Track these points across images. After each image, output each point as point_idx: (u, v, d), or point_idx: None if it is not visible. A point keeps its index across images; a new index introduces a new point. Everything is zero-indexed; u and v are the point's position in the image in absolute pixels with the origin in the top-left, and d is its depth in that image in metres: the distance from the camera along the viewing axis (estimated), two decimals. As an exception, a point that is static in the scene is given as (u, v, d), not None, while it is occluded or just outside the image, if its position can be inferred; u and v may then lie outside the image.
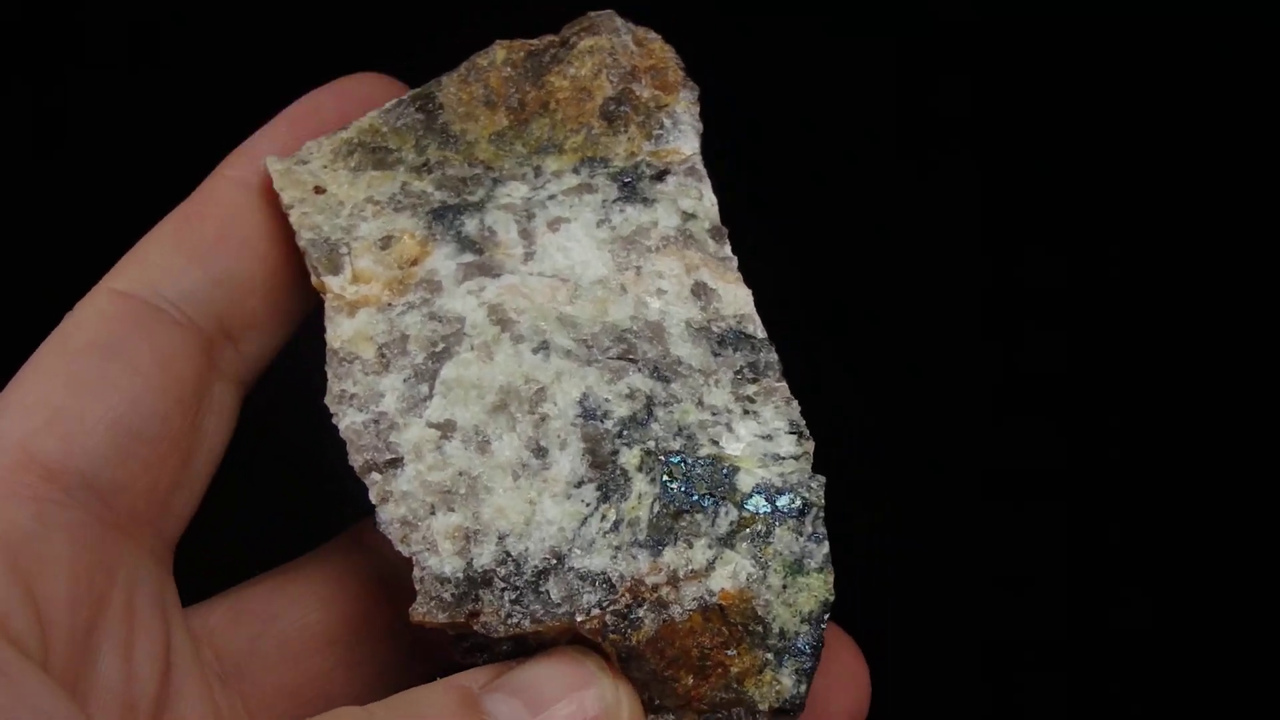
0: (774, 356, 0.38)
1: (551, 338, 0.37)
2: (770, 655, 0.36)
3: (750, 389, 0.38)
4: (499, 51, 0.41)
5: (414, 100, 0.40)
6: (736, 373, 0.38)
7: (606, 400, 0.37)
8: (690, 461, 0.37)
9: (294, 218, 0.38)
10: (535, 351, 0.37)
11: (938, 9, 0.57)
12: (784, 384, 0.38)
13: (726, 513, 0.36)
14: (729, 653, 0.35)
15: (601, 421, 0.37)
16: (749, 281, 0.39)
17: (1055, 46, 0.57)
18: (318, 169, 0.39)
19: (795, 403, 0.38)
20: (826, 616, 0.36)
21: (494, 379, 0.37)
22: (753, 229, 0.40)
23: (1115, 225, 0.57)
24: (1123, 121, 0.57)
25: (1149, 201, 0.57)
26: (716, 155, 0.40)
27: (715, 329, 0.38)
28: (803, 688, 0.36)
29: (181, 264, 0.38)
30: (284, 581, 0.40)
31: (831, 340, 0.56)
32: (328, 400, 0.37)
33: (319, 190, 0.39)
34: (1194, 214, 0.57)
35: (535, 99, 0.40)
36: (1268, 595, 0.56)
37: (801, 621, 0.36)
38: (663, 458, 0.36)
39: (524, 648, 0.36)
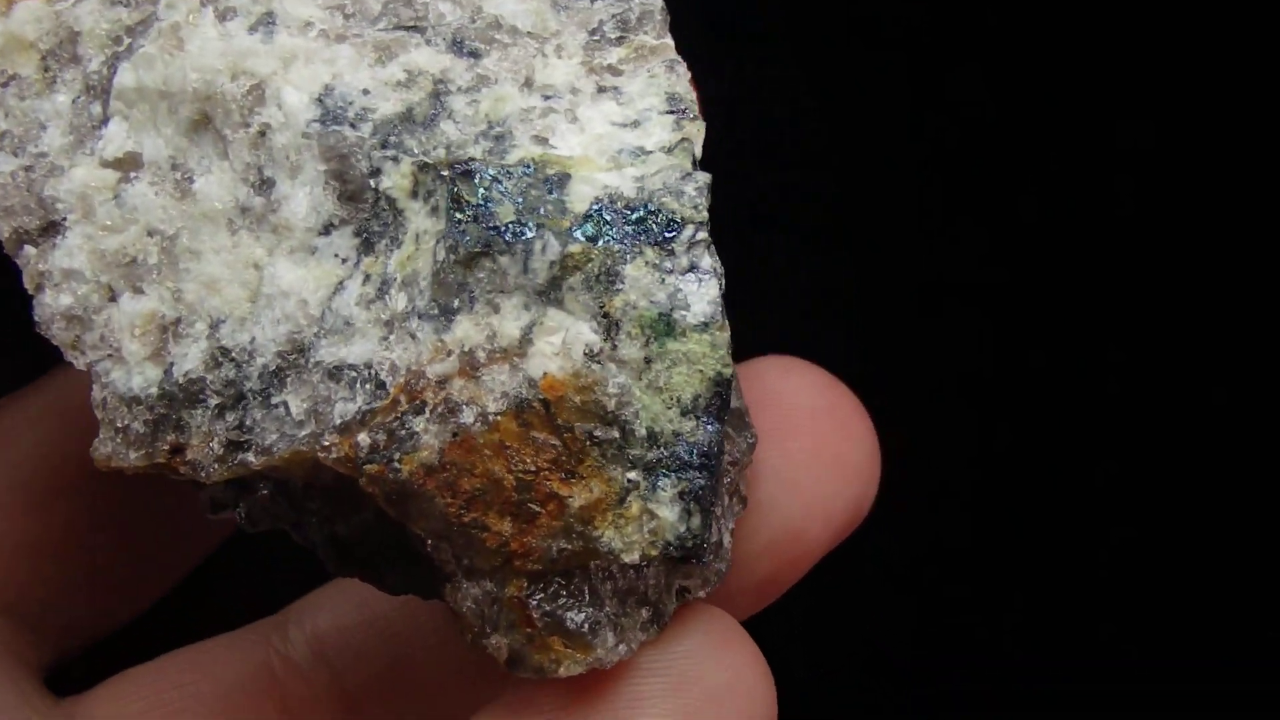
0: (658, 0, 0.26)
1: (282, 5, 0.25)
2: (635, 474, 0.23)
3: (614, 55, 0.25)
4: None
5: None
6: (593, 32, 0.25)
7: (365, 93, 0.24)
8: (491, 173, 0.23)
9: None
10: (253, 30, 0.24)
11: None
12: (668, 41, 0.25)
13: (545, 247, 0.23)
14: (563, 477, 0.23)
15: (353, 126, 0.24)
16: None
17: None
18: None
19: (683, 68, 0.25)
20: (722, 403, 0.23)
21: (185, 78, 0.24)
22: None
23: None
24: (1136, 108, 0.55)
25: (1158, 192, 0.55)
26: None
27: None
28: (695, 520, 0.23)
29: None
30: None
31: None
32: None
33: None
34: (1208, 200, 0.55)
35: None
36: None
37: (682, 414, 0.23)
38: (446, 172, 0.24)
39: (285, 488, 0.25)
